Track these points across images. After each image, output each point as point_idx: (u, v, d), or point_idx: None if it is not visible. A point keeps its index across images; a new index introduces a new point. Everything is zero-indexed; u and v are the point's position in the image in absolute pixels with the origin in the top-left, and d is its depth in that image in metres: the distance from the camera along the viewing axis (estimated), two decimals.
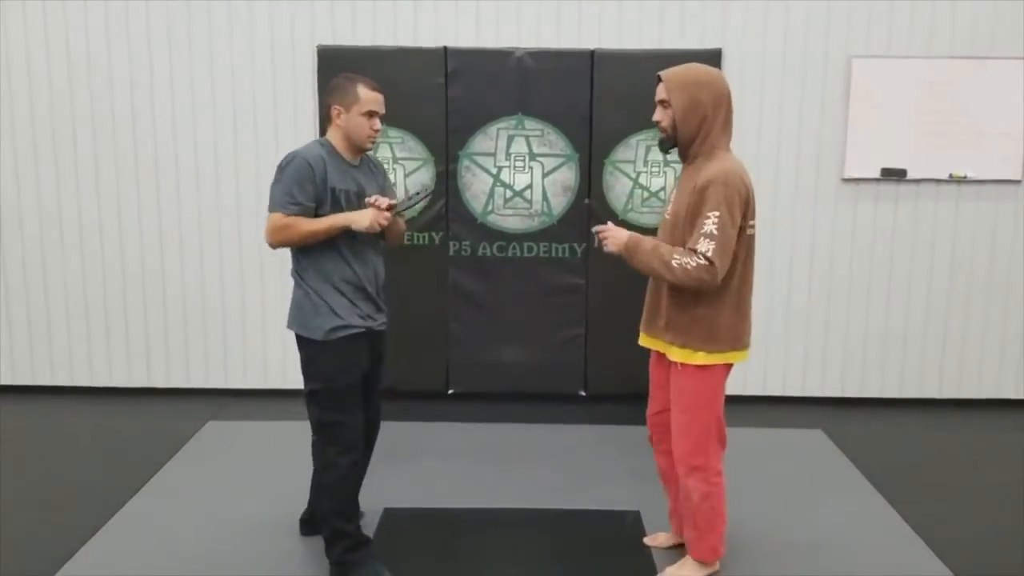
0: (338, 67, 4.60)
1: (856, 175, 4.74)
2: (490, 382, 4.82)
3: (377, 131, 3.00)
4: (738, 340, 2.88)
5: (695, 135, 2.78)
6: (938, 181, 4.76)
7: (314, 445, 3.04)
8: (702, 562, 3.06)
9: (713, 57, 4.61)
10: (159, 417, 4.64)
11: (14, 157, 4.77)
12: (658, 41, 4.65)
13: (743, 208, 2.74)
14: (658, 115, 2.84)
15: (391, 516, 3.45)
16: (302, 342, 2.97)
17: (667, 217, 2.93)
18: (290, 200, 2.85)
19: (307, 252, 2.93)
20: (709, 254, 2.67)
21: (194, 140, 4.75)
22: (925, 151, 4.70)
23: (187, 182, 4.79)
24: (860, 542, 3.36)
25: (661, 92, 2.81)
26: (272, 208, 2.88)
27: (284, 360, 4.95)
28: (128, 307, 4.90)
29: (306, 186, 2.85)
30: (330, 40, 4.66)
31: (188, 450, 4.17)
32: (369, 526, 3.37)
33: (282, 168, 2.89)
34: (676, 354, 2.89)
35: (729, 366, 2.92)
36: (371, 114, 2.96)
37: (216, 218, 4.82)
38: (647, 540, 3.35)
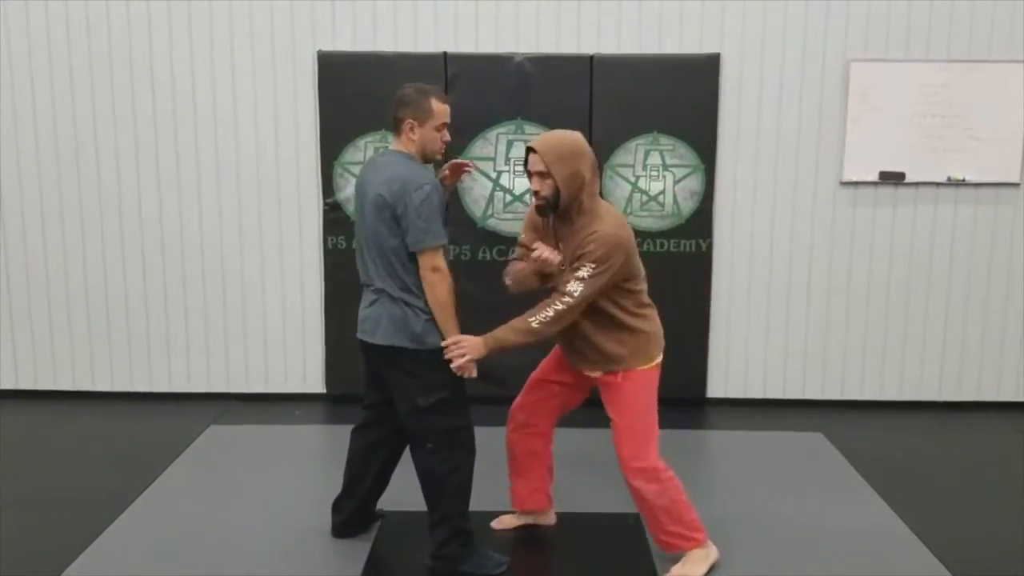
0: (339, 73, 4.65)
1: (854, 178, 4.76)
2: (488, 386, 4.82)
3: (447, 142, 3.04)
4: (661, 340, 3.11)
5: (575, 198, 2.93)
6: (936, 184, 4.77)
7: (431, 454, 3.02)
8: (695, 550, 3.09)
9: (711, 61, 4.64)
10: (161, 421, 4.65)
11: (16, 160, 4.79)
12: (657, 46, 4.67)
13: (622, 258, 2.90)
14: (536, 185, 2.95)
15: (391, 520, 3.46)
16: (411, 355, 2.95)
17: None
18: (445, 234, 2.93)
19: (409, 264, 2.93)
20: (575, 293, 2.88)
21: (195, 144, 4.77)
22: (923, 154, 4.71)
23: (188, 187, 4.81)
24: (860, 545, 3.36)
25: (537, 164, 2.91)
26: (438, 239, 2.89)
27: (286, 365, 4.97)
28: (130, 311, 4.92)
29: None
30: (330, 46, 4.68)
31: (190, 454, 4.18)
32: (368, 530, 3.39)
33: (431, 198, 2.87)
34: (618, 374, 3.06)
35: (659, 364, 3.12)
36: (442, 126, 3.00)
37: (217, 223, 4.84)
38: (494, 524, 3.46)
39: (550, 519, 3.49)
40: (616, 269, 2.91)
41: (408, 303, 2.93)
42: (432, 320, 2.95)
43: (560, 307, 2.89)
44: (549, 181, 2.90)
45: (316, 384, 4.98)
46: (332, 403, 4.94)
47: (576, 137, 2.97)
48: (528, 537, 3.41)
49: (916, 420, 4.81)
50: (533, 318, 2.92)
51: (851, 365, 4.96)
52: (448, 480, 3.03)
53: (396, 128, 3.00)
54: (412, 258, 2.92)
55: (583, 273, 2.87)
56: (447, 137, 3.03)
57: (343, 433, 3.40)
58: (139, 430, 4.54)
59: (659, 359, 3.09)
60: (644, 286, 3.07)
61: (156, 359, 4.97)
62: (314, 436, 4.53)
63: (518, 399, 3.35)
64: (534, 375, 3.33)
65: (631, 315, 3.01)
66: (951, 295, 4.89)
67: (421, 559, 3.11)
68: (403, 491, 3.32)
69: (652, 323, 3.07)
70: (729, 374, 4.97)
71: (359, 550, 3.26)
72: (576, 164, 2.90)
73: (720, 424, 4.65)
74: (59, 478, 3.93)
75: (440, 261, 2.90)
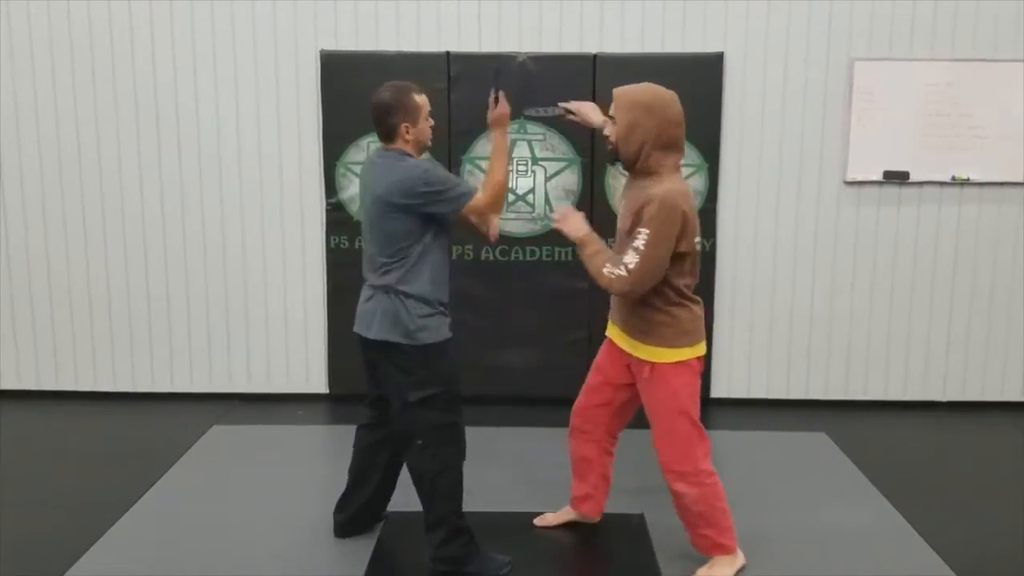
0: (341, 72, 4.64)
1: (859, 178, 4.74)
2: (493, 386, 4.83)
3: (433, 127, 3.15)
4: (700, 332, 2.99)
5: (636, 155, 2.88)
6: (941, 183, 4.76)
7: (420, 451, 3.01)
8: (723, 555, 3.09)
9: (715, 60, 4.62)
10: (163, 422, 4.65)
11: (18, 160, 4.79)
12: (660, 45, 4.66)
13: (679, 228, 2.80)
14: (607, 129, 2.96)
15: (393, 520, 3.45)
16: (403, 351, 2.96)
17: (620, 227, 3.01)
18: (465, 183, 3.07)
19: (411, 260, 2.95)
20: (630, 266, 2.78)
21: (198, 144, 4.77)
22: (927, 153, 4.70)
23: (191, 187, 4.81)
24: (864, 545, 3.36)
25: (611, 108, 2.94)
26: (468, 190, 2.98)
27: (288, 364, 4.96)
28: (132, 311, 4.91)
29: None
30: (333, 45, 4.67)
31: (193, 454, 4.18)
32: (371, 531, 3.39)
33: (432, 170, 2.99)
34: (643, 352, 2.96)
35: (700, 360, 3.00)
36: (428, 115, 3.09)
37: (220, 223, 4.83)
38: (536, 521, 3.45)
39: (594, 521, 3.46)
40: (676, 235, 2.80)
41: (399, 298, 2.94)
42: (426, 317, 2.95)
43: (622, 273, 2.79)
44: (614, 127, 2.91)
45: (319, 384, 4.98)
46: (334, 403, 4.93)
47: (655, 93, 2.89)
48: (531, 537, 3.40)
49: (920, 420, 4.80)
50: (609, 264, 2.84)
51: (855, 365, 4.94)
52: (438, 479, 3.02)
53: (389, 135, 3.03)
54: (408, 251, 2.94)
55: (638, 242, 2.78)
56: (431, 122, 3.11)
57: (345, 433, 3.40)
58: (141, 430, 4.53)
59: (690, 353, 2.94)
60: (687, 280, 2.93)
61: (158, 359, 4.97)
62: (317, 436, 4.53)
63: (578, 399, 3.29)
64: (594, 363, 3.24)
65: (663, 301, 2.90)
66: (955, 294, 4.87)
67: (424, 559, 3.10)
68: (406, 491, 3.31)
69: (686, 312, 2.93)
70: (732, 374, 4.96)
71: (362, 550, 3.26)
72: (639, 117, 2.83)
73: (723, 424, 4.64)
74: (61, 479, 3.92)
75: (477, 202, 2.96)
